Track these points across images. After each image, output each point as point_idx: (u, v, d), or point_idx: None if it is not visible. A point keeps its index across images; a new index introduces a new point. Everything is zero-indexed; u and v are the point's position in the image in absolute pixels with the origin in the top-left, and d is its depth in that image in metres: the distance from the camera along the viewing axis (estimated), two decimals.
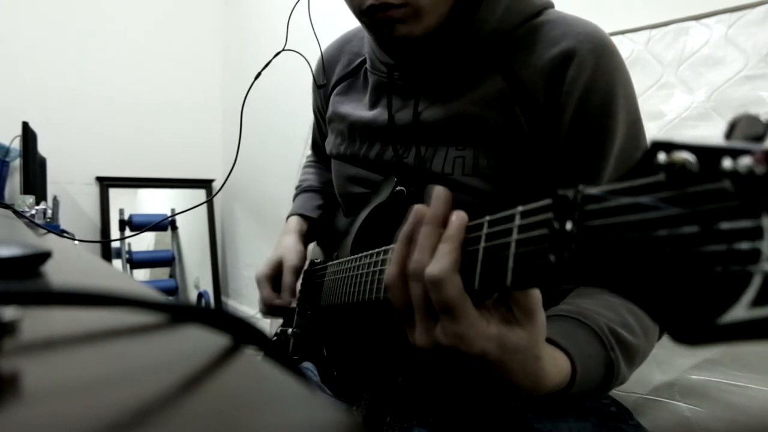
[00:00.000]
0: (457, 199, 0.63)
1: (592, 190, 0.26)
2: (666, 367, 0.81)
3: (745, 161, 0.20)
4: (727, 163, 0.20)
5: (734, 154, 0.20)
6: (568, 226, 0.27)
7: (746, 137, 0.21)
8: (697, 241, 0.21)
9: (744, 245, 0.19)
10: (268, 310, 0.81)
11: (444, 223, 0.39)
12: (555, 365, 0.41)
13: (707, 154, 0.21)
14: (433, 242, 0.38)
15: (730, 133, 0.21)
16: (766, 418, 0.71)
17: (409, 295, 0.39)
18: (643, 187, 0.23)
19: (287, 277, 0.79)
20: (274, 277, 0.81)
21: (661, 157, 0.22)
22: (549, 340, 0.42)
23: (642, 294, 0.23)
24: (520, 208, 0.33)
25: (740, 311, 0.19)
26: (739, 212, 0.20)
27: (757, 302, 0.19)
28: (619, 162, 0.58)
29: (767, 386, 0.71)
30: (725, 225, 0.20)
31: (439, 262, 0.37)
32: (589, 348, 0.46)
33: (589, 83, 0.57)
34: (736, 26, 0.85)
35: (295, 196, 0.95)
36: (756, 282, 0.19)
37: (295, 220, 0.88)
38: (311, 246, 0.91)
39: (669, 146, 0.22)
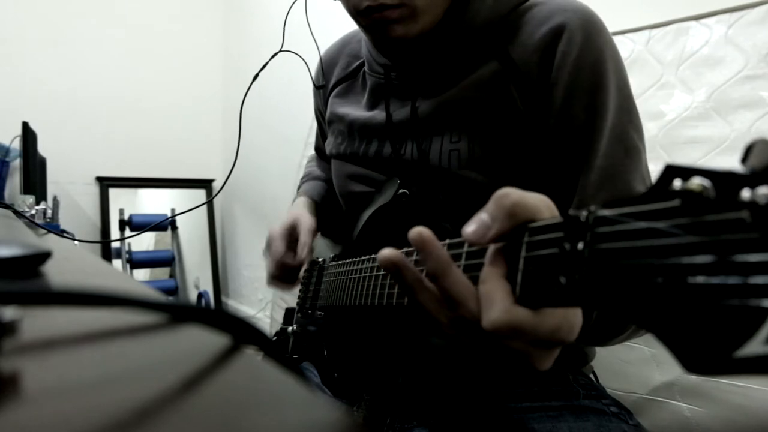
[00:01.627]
0: (455, 195, 0.63)
1: (605, 212, 0.26)
2: (666, 367, 0.82)
3: (764, 191, 0.19)
4: (745, 193, 0.20)
5: (752, 183, 0.20)
6: (580, 247, 0.26)
7: (763, 164, 0.20)
8: (712, 271, 0.20)
9: (761, 279, 0.19)
10: (276, 270, 0.76)
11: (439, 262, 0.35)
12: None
13: (724, 181, 0.20)
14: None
15: (745, 158, 0.21)
16: (766, 418, 0.71)
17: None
18: (658, 212, 0.23)
19: (305, 236, 0.77)
20: (289, 237, 0.78)
21: (677, 183, 0.22)
22: None
23: (654, 322, 0.22)
24: (528, 225, 0.32)
25: (756, 346, 0.19)
26: (756, 245, 0.19)
27: None
28: (613, 136, 0.57)
29: (767, 386, 0.71)
30: (742, 257, 0.19)
31: (489, 312, 0.32)
32: None
33: (579, 57, 0.57)
34: (736, 26, 0.85)
35: (300, 185, 0.95)
36: None
37: (302, 199, 0.88)
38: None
39: (685, 171, 0.22)
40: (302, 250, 0.76)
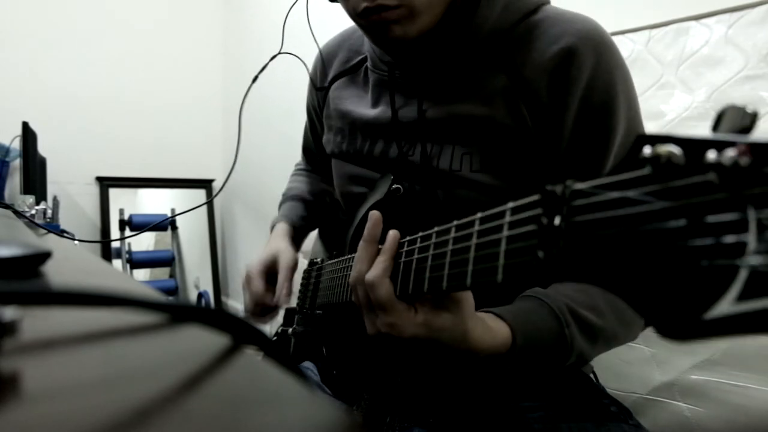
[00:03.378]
0: (465, 197, 0.64)
1: (580, 185, 0.26)
2: (666, 367, 0.82)
3: (730, 153, 0.19)
4: (711, 155, 0.20)
5: (719, 146, 0.20)
6: (557, 221, 0.27)
7: (733, 129, 0.20)
8: (683, 235, 0.21)
9: (730, 238, 0.19)
10: (255, 307, 0.77)
11: (378, 239, 0.49)
12: (490, 334, 0.49)
13: (692, 146, 0.21)
14: (371, 255, 0.49)
15: (716, 125, 0.21)
16: (766, 418, 0.71)
17: (359, 295, 0.49)
18: (630, 181, 0.23)
19: (284, 274, 0.77)
20: (267, 274, 0.79)
21: (647, 150, 0.22)
22: (496, 313, 0.51)
23: (629, 289, 0.23)
24: (510, 205, 0.33)
25: (726, 306, 0.19)
26: (724, 205, 0.20)
27: (743, 296, 0.19)
28: (617, 157, 0.58)
29: (767, 386, 0.71)
30: (711, 218, 0.20)
31: (374, 270, 0.47)
32: (540, 323, 0.52)
33: (590, 82, 0.57)
34: (736, 26, 0.85)
35: (281, 203, 0.95)
36: (742, 276, 0.19)
37: (282, 226, 0.88)
38: (311, 245, 0.91)
39: (654, 139, 0.22)
40: (280, 293, 0.76)
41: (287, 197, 0.94)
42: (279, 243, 0.83)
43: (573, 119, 0.58)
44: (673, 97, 0.90)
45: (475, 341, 0.47)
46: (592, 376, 0.69)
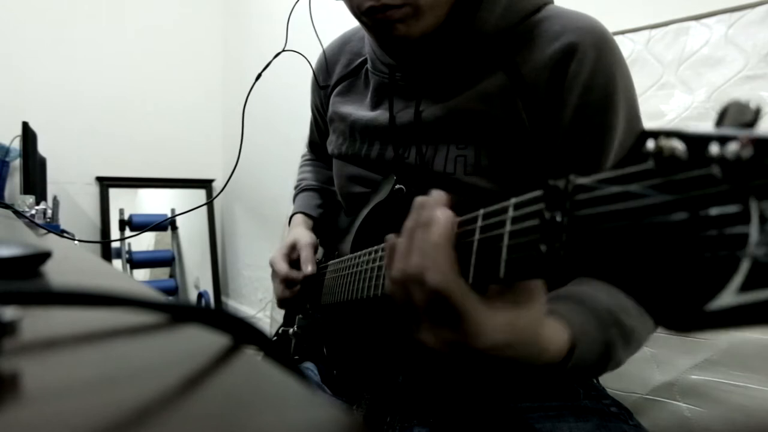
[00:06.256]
0: (459, 200, 0.64)
1: (583, 180, 0.27)
2: (666, 367, 0.82)
3: (733, 147, 0.19)
4: (714, 149, 0.20)
5: (722, 140, 0.20)
6: (559, 216, 0.27)
7: (736, 124, 0.21)
8: (686, 227, 0.21)
9: (732, 230, 0.19)
10: (285, 286, 0.78)
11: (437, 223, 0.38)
12: (555, 332, 0.42)
13: (695, 141, 0.21)
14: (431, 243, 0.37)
15: (720, 121, 0.21)
16: (766, 418, 0.71)
17: (411, 298, 0.38)
18: (633, 175, 0.23)
19: (306, 251, 0.79)
20: (289, 257, 0.81)
21: (650, 144, 0.23)
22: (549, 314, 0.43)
23: (632, 282, 0.23)
24: (513, 200, 0.33)
25: (728, 297, 0.19)
26: (727, 197, 0.20)
27: (744, 287, 0.19)
28: (618, 156, 0.58)
29: (767, 386, 0.71)
30: (714, 211, 0.20)
31: (440, 270, 0.36)
32: (587, 325, 0.46)
33: (590, 78, 0.57)
34: (736, 26, 0.85)
35: (295, 195, 0.96)
36: (744, 267, 0.19)
37: (299, 217, 0.89)
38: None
39: (657, 134, 0.23)
40: (306, 266, 0.77)
41: (300, 189, 0.95)
42: (297, 231, 0.84)
43: (571, 115, 0.58)
44: (673, 97, 0.90)
45: (545, 340, 0.40)
46: None
